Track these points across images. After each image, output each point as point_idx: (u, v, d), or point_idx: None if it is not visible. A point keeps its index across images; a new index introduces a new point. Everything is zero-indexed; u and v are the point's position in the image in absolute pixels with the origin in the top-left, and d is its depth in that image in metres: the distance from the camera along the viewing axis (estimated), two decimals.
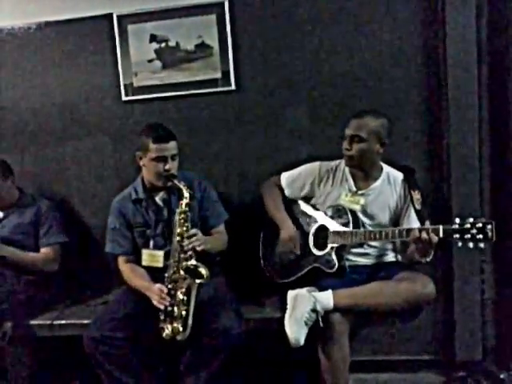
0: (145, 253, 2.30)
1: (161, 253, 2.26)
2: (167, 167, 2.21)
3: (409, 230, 1.96)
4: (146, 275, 2.26)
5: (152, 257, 2.29)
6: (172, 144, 2.23)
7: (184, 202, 2.15)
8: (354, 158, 2.17)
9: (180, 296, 2.07)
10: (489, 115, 2.51)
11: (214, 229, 2.35)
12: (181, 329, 2.05)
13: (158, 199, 2.34)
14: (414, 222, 2.11)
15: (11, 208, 2.58)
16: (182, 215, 2.14)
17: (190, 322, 2.05)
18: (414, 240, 1.92)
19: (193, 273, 2.06)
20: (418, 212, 2.10)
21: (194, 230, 2.14)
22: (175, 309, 2.07)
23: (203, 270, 2.05)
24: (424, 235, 1.89)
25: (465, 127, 2.47)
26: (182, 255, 2.11)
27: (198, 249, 2.09)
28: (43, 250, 2.53)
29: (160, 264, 2.26)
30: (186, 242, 2.10)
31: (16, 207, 2.58)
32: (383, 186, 2.23)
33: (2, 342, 2.27)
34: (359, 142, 2.13)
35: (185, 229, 2.13)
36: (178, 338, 2.05)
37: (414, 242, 1.94)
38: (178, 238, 2.13)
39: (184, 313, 2.06)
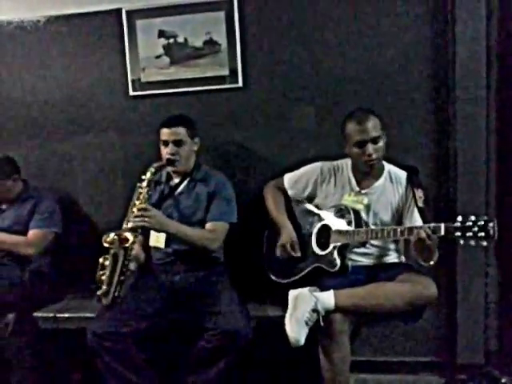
0: (152, 233, 2.35)
1: (163, 234, 2.29)
2: (166, 151, 2.30)
3: (410, 229, 1.96)
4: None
5: (157, 237, 2.34)
6: (174, 129, 2.31)
7: (145, 177, 2.21)
8: (379, 160, 2.17)
9: (106, 263, 2.09)
10: (496, 115, 2.49)
11: (208, 223, 2.33)
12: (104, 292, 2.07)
13: (171, 183, 2.42)
14: (416, 221, 2.11)
15: (14, 200, 2.59)
16: (139, 190, 2.20)
17: (113, 288, 2.07)
18: (415, 241, 1.92)
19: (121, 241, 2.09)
20: (420, 210, 2.09)
21: (145, 205, 2.15)
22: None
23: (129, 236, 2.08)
24: (422, 233, 1.89)
25: (472, 129, 2.46)
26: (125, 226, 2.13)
27: (140, 223, 2.10)
28: (29, 233, 2.53)
29: (162, 245, 2.32)
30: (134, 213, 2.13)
31: (19, 199, 2.60)
32: (386, 185, 2.22)
33: (3, 333, 2.30)
34: (378, 143, 2.13)
35: (138, 202, 2.17)
36: (103, 302, 2.08)
37: (414, 244, 1.94)
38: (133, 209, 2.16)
39: (108, 279, 2.07)
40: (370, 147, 2.12)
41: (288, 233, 2.28)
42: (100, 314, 2.15)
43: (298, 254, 2.24)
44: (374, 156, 2.13)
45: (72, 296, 2.59)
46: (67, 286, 2.63)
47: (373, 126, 2.11)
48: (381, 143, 2.14)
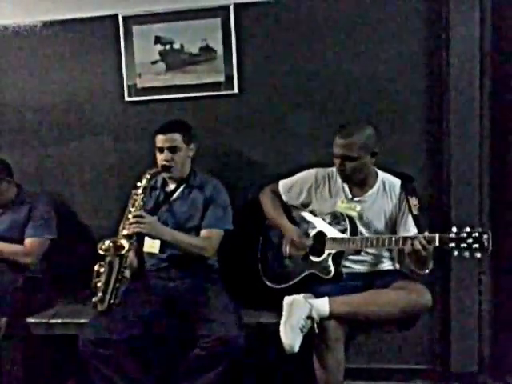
0: (146, 239, 2.33)
1: (157, 240, 2.28)
2: (161, 157, 2.30)
3: (405, 238, 1.97)
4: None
5: (151, 243, 2.33)
6: (169, 136, 2.30)
7: (140, 184, 2.21)
8: (350, 175, 2.18)
9: (101, 270, 2.07)
10: (490, 125, 2.51)
11: (203, 230, 2.32)
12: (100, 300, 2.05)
13: (167, 189, 2.41)
14: (410, 229, 2.11)
15: (8, 205, 2.56)
16: (134, 197, 2.19)
17: (108, 296, 2.04)
18: (409, 250, 1.93)
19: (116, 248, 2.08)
20: (415, 218, 2.10)
21: (140, 212, 2.15)
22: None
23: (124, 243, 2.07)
24: (417, 244, 1.90)
25: (466, 138, 2.48)
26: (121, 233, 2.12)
27: (136, 230, 2.10)
28: (25, 242, 2.50)
29: (156, 250, 2.31)
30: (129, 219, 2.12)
31: (13, 204, 2.57)
32: (379, 193, 2.23)
33: None
34: (351, 161, 2.13)
35: (133, 209, 2.16)
36: (99, 308, 2.05)
37: (409, 253, 1.95)
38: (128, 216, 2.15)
39: (103, 286, 2.05)
40: (341, 163, 2.14)
41: (293, 230, 2.29)
42: (93, 321, 2.12)
43: (307, 249, 2.24)
44: (343, 172, 2.16)
45: (65, 302, 2.56)
46: (60, 292, 2.61)
47: (353, 144, 2.11)
48: (355, 163, 2.13)
